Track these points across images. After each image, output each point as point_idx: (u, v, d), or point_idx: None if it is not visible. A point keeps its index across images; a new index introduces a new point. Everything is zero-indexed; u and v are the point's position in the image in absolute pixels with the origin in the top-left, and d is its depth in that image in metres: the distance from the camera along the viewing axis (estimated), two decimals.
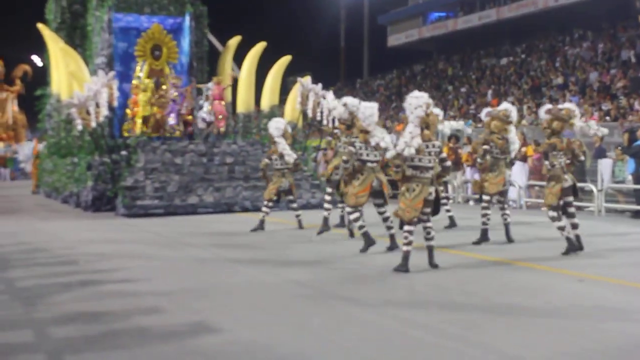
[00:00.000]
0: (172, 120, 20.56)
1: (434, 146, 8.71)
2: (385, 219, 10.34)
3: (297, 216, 13.41)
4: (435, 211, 9.04)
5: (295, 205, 13.56)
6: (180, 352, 5.46)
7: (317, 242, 11.57)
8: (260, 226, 13.06)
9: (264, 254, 10.35)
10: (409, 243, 8.65)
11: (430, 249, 8.91)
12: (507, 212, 11.20)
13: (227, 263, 9.62)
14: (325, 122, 18.96)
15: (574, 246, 9.82)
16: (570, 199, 9.94)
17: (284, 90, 23.80)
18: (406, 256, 8.63)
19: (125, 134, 19.97)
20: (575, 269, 8.89)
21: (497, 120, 11.12)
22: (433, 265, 8.87)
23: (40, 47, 24.39)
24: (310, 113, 19.28)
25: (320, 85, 19.49)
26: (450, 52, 47.30)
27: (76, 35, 22.35)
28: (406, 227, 8.68)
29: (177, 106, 20.29)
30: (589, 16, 37.89)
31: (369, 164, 10.14)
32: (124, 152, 18.15)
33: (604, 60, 31.09)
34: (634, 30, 29.58)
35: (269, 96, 22.66)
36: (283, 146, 12.97)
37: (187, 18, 21.29)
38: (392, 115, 38.68)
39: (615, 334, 5.89)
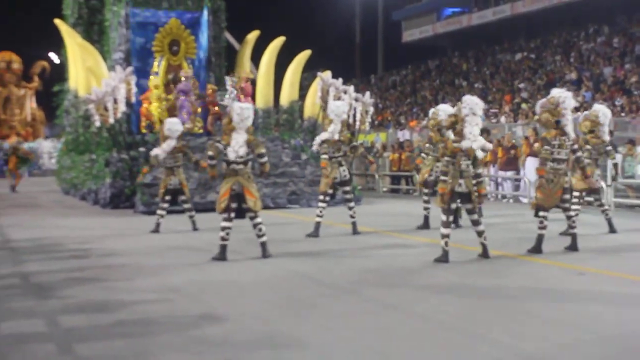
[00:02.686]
0: (184, 116, 20.17)
1: (568, 140, 9.67)
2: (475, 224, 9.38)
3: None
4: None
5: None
6: (185, 341, 5.66)
7: (325, 236, 11.74)
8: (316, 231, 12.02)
9: (273, 248, 10.27)
10: (544, 227, 9.70)
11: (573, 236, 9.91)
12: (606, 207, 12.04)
13: (238, 258, 9.72)
14: (345, 117, 18.92)
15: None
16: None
17: (300, 86, 23.64)
18: (540, 239, 9.70)
19: (143, 131, 19.84)
20: (577, 262, 9.03)
21: (587, 120, 11.47)
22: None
23: (58, 44, 24.46)
24: None
25: (340, 80, 19.34)
26: (464, 47, 47.23)
27: (93, 31, 22.41)
28: (542, 213, 9.66)
29: (187, 102, 19.87)
30: (604, 10, 37.73)
31: (234, 166, 9.51)
32: (142, 149, 17.86)
33: (619, 55, 31.00)
34: None
35: (288, 91, 22.33)
36: None
37: (205, 12, 21.23)
38: (405, 111, 38.77)
39: (611, 324, 6.03)
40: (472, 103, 9.10)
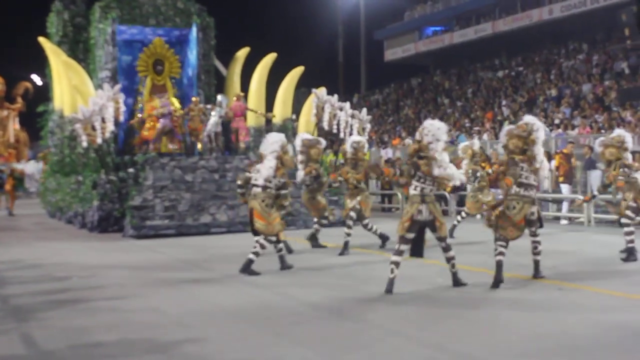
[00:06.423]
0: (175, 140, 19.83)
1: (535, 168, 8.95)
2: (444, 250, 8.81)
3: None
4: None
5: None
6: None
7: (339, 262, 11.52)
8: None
9: (273, 274, 10.00)
10: (502, 254, 8.71)
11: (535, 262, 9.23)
12: None
13: (232, 283, 9.40)
14: (342, 134, 18.62)
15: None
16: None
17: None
18: (499, 265, 8.67)
19: (136, 151, 19.25)
20: (557, 278, 9.09)
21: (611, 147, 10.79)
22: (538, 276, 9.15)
23: (41, 65, 23.87)
24: (326, 126, 18.55)
25: (336, 96, 18.88)
26: (446, 65, 47.59)
27: (79, 49, 21.66)
28: (501, 243, 8.78)
29: (168, 122, 19.39)
30: (584, 29, 38.20)
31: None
32: (131, 170, 17.35)
33: (599, 72, 31.35)
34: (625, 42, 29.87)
35: (281, 109, 21.67)
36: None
37: (194, 29, 20.80)
38: (389, 130, 38.94)
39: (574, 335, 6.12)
40: (434, 129, 8.50)
